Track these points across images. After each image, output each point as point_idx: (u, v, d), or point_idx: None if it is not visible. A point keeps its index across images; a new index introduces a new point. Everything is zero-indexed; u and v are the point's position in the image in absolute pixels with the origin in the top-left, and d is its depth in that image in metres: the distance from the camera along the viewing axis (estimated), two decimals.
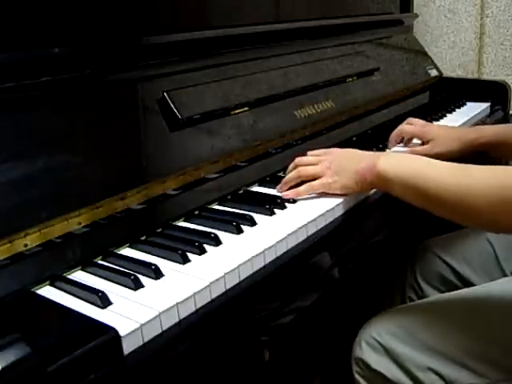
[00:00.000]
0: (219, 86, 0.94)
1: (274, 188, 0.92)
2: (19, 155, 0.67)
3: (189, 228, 0.79)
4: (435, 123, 1.29)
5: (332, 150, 0.92)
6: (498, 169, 0.70)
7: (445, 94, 1.61)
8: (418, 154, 1.08)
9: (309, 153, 0.92)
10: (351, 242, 0.88)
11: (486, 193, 0.68)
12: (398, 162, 0.80)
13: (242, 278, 0.67)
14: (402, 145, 1.15)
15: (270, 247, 0.71)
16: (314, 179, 0.86)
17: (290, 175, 0.88)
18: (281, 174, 1.01)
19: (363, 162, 0.82)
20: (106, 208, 0.72)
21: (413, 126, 1.13)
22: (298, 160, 0.90)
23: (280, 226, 0.76)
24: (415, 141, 1.16)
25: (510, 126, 1.19)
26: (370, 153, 0.86)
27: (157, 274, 0.65)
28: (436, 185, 0.72)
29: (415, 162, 0.79)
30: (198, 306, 0.62)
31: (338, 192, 0.84)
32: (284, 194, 0.86)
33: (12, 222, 0.63)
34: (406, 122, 1.15)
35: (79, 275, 0.68)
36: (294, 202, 0.86)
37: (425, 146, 1.10)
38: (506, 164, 1.58)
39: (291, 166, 0.90)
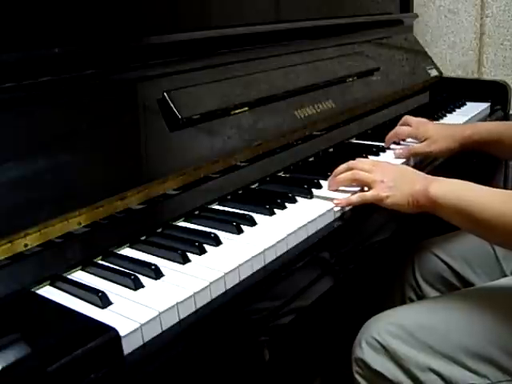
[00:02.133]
0: (219, 86, 0.94)
1: (274, 188, 0.93)
2: (19, 155, 0.67)
3: (189, 228, 0.79)
4: (435, 123, 1.29)
5: (383, 163, 0.92)
6: None
7: (445, 94, 1.61)
8: (415, 151, 1.09)
9: (357, 159, 0.93)
10: (351, 242, 0.88)
11: None
12: (452, 188, 0.80)
13: (242, 278, 0.67)
14: (399, 146, 1.15)
15: (269, 247, 0.71)
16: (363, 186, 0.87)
17: (344, 175, 0.88)
18: (281, 173, 1.01)
19: (417, 184, 0.82)
20: (105, 208, 0.72)
21: (407, 126, 1.13)
22: (352, 163, 0.90)
23: (280, 226, 0.76)
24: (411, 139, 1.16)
25: (503, 123, 1.19)
26: (422, 174, 0.87)
27: (157, 274, 0.65)
28: (487, 212, 0.74)
29: (467, 188, 0.80)
30: (198, 306, 0.62)
31: (388, 207, 0.84)
32: (336, 201, 0.84)
33: (12, 222, 0.63)
34: (402, 121, 1.15)
35: (79, 275, 0.68)
36: (294, 202, 0.86)
37: (421, 144, 1.10)
38: (506, 164, 1.59)
39: (344, 166, 0.90)
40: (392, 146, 1.15)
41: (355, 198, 0.85)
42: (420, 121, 1.15)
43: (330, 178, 0.91)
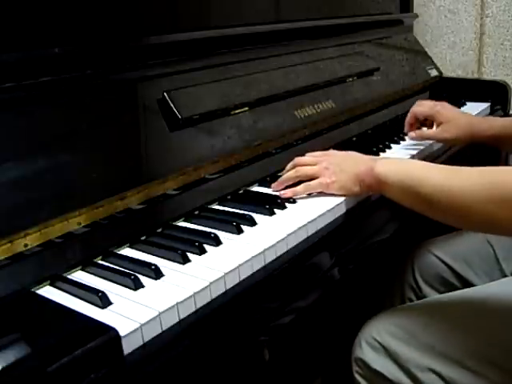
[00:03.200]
0: (219, 86, 0.94)
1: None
2: (19, 155, 0.67)
3: (189, 228, 0.79)
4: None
5: (330, 152, 0.93)
6: (487, 168, 0.71)
7: (445, 94, 1.61)
8: (426, 136, 1.08)
9: (307, 154, 0.93)
10: (351, 243, 0.88)
11: (474, 193, 0.68)
12: (395, 165, 0.81)
13: (242, 278, 0.67)
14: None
15: (269, 247, 0.71)
16: (312, 179, 0.87)
17: (288, 174, 0.89)
18: (281, 173, 1.01)
19: (362, 165, 0.83)
20: (106, 208, 0.72)
21: (424, 106, 1.12)
22: (296, 160, 0.91)
23: (280, 226, 0.76)
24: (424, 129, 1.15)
25: None
26: (369, 156, 0.88)
27: (157, 274, 0.65)
28: (431, 188, 0.73)
29: (410, 165, 0.81)
30: (198, 306, 0.62)
31: (336, 192, 0.85)
32: (281, 192, 0.86)
33: (12, 222, 0.63)
34: (416, 104, 1.14)
35: (79, 275, 0.68)
36: (294, 202, 0.86)
37: (436, 130, 1.09)
38: (506, 163, 1.59)
39: (289, 165, 0.91)
40: (394, 147, 1.15)
41: (301, 187, 0.86)
42: (436, 102, 1.14)
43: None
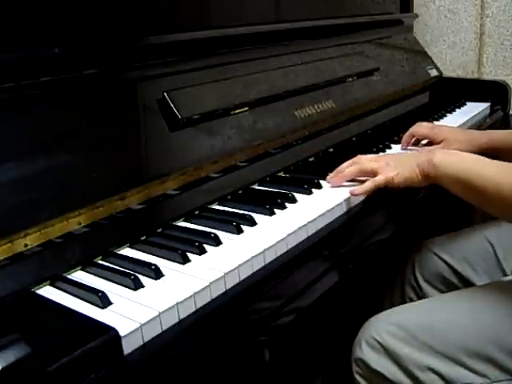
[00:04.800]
0: (219, 86, 0.94)
1: (274, 188, 0.93)
2: (19, 155, 0.67)
3: (189, 228, 0.79)
4: (435, 123, 1.29)
5: (381, 155, 0.97)
6: None
7: (445, 94, 1.61)
8: None
9: (359, 156, 0.95)
10: (351, 242, 0.88)
11: None
12: (452, 157, 0.84)
13: (242, 278, 0.67)
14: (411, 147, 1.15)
15: (269, 247, 0.71)
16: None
17: (351, 169, 0.91)
18: (281, 173, 1.01)
19: (421, 157, 0.87)
20: (106, 208, 0.72)
21: (424, 127, 1.13)
22: (356, 158, 0.93)
23: (280, 226, 0.76)
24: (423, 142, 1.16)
25: None
26: (426, 150, 0.92)
27: (157, 274, 0.65)
28: (486, 182, 0.77)
29: (467, 157, 0.84)
30: (198, 306, 0.62)
31: (401, 184, 0.88)
32: (352, 190, 0.87)
33: (12, 222, 0.63)
34: (415, 125, 1.15)
35: (79, 275, 0.68)
36: (294, 202, 0.86)
37: (437, 147, 1.09)
38: None
39: (348, 162, 0.92)
40: (394, 147, 1.15)
41: (369, 183, 0.88)
42: (432, 124, 1.17)
43: (331, 175, 0.92)
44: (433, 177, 0.85)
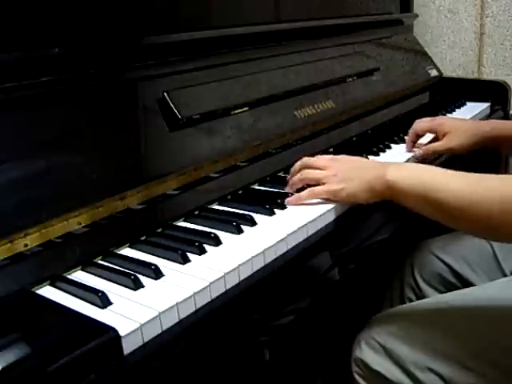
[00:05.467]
0: (219, 86, 0.94)
1: (274, 188, 0.93)
2: (19, 155, 0.67)
3: (189, 228, 0.79)
4: (450, 116, 1.28)
5: (339, 156, 0.88)
6: (508, 177, 0.69)
7: (445, 94, 1.61)
8: (434, 150, 1.07)
9: (316, 157, 0.89)
10: (351, 243, 0.88)
11: (495, 203, 0.66)
12: (409, 172, 0.78)
13: (241, 278, 0.67)
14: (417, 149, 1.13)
15: (269, 247, 0.71)
16: (317, 184, 0.84)
17: (294, 178, 0.86)
18: (281, 173, 1.01)
19: (372, 172, 0.80)
20: (105, 208, 0.72)
21: (425, 122, 1.11)
22: (304, 161, 0.87)
23: (280, 226, 0.76)
24: (425, 140, 1.14)
25: None
26: (379, 162, 0.84)
27: (157, 274, 0.65)
28: (450, 195, 0.70)
29: (426, 171, 0.77)
30: (198, 306, 0.62)
31: (343, 200, 0.82)
32: (288, 199, 0.83)
33: (12, 222, 0.63)
34: (415, 122, 1.13)
35: (79, 275, 0.68)
36: None
37: (440, 142, 1.08)
38: (506, 165, 1.58)
39: (296, 166, 0.88)
40: (394, 147, 1.15)
41: (305, 193, 0.83)
42: (435, 117, 1.13)
43: (287, 179, 0.88)
44: (388, 195, 0.78)
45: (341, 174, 0.82)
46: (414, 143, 1.12)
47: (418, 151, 1.08)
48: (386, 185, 0.77)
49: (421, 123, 1.11)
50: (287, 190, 0.88)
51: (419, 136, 1.13)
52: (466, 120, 1.18)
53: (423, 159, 1.07)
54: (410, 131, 1.12)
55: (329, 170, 0.83)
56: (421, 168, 0.79)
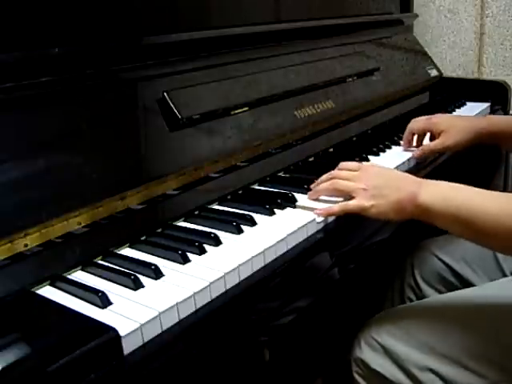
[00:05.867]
0: (219, 86, 0.94)
1: (274, 188, 0.93)
2: (19, 155, 0.67)
3: (189, 228, 0.79)
4: (448, 115, 1.28)
5: (367, 166, 0.87)
6: None
7: (445, 94, 1.61)
8: (430, 149, 1.07)
9: (342, 165, 0.88)
10: (351, 243, 0.88)
11: None
12: (441, 193, 0.75)
13: (241, 278, 0.67)
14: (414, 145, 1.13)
15: (269, 247, 0.71)
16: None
17: (324, 185, 0.85)
18: (281, 173, 1.01)
19: (404, 191, 0.77)
20: (105, 208, 0.72)
21: (420, 121, 1.11)
22: (334, 172, 0.86)
23: (280, 226, 0.76)
24: (425, 141, 1.14)
25: None
26: (409, 178, 0.81)
27: (157, 274, 0.65)
28: (483, 217, 0.70)
29: (459, 192, 0.75)
30: (198, 306, 0.62)
31: (373, 217, 0.79)
32: (317, 211, 0.80)
33: (12, 222, 0.63)
34: (411, 121, 1.13)
35: (79, 275, 0.68)
36: (295, 201, 0.86)
37: (436, 141, 1.07)
38: (506, 164, 1.59)
39: (326, 176, 0.86)
40: (394, 147, 1.15)
41: (337, 207, 0.81)
42: (431, 116, 1.13)
43: (313, 185, 0.87)
44: (419, 215, 0.76)
45: (371, 188, 0.79)
46: (410, 142, 1.12)
47: (415, 152, 1.07)
48: (419, 207, 0.75)
49: (416, 122, 1.11)
50: (310, 194, 0.86)
51: (415, 135, 1.13)
52: (463, 117, 1.17)
53: (424, 159, 1.07)
54: (406, 130, 1.11)
55: (358, 182, 0.81)
56: (453, 188, 0.76)
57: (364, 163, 0.89)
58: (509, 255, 0.76)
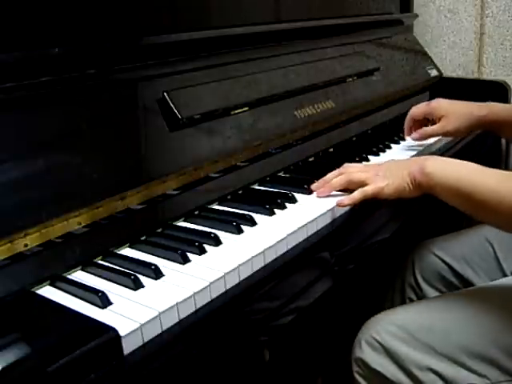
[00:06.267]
0: (219, 86, 0.94)
1: (274, 188, 0.93)
2: (19, 155, 0.67)
3: (189, 228, 0.79)
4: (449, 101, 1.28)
5: (370, 164, 0.93)
6: None
7: (445, 94, 1.60)
8: (430, 133, 1.07)
9: (347, 164, 0.91)
10: (351, 242, 0.88)
11: None
12: (446, 165, 0.80)
13: (241, 278, 0.67)
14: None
15: (269, 247, 0.71)
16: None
17: (338, 179, 0.87)
18: (281, 173, 1.01)
19: (412, 165, 0.82)
20: (105, 208, 0.72)
21: (420, 108, 1.11)
22: (343, 167, 0.89)
23: (280, 226, 0.76)
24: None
25: None
26: (415, 158, 0.86)
27: (157, 274, 0.65)
28: (482, 190, 0.73)
29: (462, 166, 0.79)
30: (198, 306, 0.62)
31: (391, 196, 0.84)
32: (339, 201, 0.83)
33: (12, 222, 0.63)
34: (412, 108, 1.13)
35: (79, 275, 0.68)
36: (294, 201, 0.86)
37: (435, 126, 1.08)
38: (506, 164, 1.58)
39: (336, 172, 0.88)
40: (394, 147, 1.15)
41: (357, 194, 0.84)
42: (432, 100, 1.13)
43: (317, 185, 0.89)
44: (426, 186, 0.80)
45: (382, 172, 0.85)
46: (411, 129, 1.12)
47: (413, 135, 1.08)
48: (426, 177, 0.80)
49: (416, 108, 1.11)
50: (320, 192, 0.88)
51: (416, 121, 1.12)
52: (463, 103, 1.16)
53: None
54: (407, 117, 1.12)
55: (370, 172, 0.86)
56: (456, 163, 0.81)
57: (376, 159, 0.94)
58: (502, 230, 0.79)
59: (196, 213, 0.84)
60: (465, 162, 0.80)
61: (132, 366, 0.54)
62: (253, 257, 0.69)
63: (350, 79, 1.27)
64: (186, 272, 0.66)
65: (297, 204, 0.86)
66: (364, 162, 1.03)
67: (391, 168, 0.85)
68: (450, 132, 1.07)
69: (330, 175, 0.89)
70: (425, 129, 1.09)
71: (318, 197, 0.87)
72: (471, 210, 0.77)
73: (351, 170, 0.87)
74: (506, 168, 1.58)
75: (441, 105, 1.10)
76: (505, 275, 0.99)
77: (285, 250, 0.74)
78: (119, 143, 0.78)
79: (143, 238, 0.76)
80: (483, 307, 0.81)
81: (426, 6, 1.77)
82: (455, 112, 1.07)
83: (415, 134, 1.07)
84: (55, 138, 0.72)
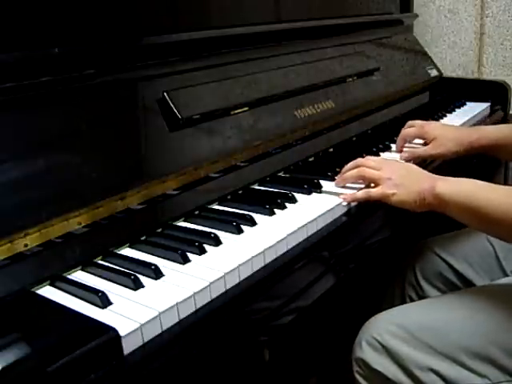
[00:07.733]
0: (219, 86, 0.94)
1: (274, 188, 0.93)
2: (19, 155, 0.67)
3: (189, 228, 0.79)
4: (440, 122, 1.28)
5: (388, 160, 0.94)
6: None
7: (445, 94, 1.61)
8: (419, 155, 1.08)
9: (367, 158, 0.93)
10: (351, 242, 0.88)
11: None
12: (457, 186, 0.81)
13: (241, 278, 0.67)
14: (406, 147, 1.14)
15: (269, 247, 0.71)
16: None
17: (351, 172, 0.90)
18: (281, 173, 1.01)
19: (424, 183, 0.83)
20: (105, 208, 0.72)
21: (414, 127, 1.12)
22: (360, 160, 0.91)
23: (280, 226, 0.76)
24: (417, 141, 1.15)
25: (506, 126, 1.17)
26: (426, 173, 0.88)
27: (157, 274, 0.65)
28: (493, 207, 0.75)
29: (472, 184, 0.81)
30: (198, 306, 0.62)
31: (395, 205, 0.85)
32: (343, 196, 0.86)
33: (12, 222, 0.63)
34: (406, 125, 1.14)
35: (79, 275, 0.68)
36: (294, 201, 0.86)
37: (426, 147, 1.09)
38: (506, 165, 1.58)
39: (352, 164, 0.91)
40: (394, 147, 1.14)
41: (361, 193, 0.86)
42: (424, 122, 1.15)
43: (338, 176, 0.92)
44: (435, 206, 0.82)
45: (395, 178, 0.86)
46: (402, 148, 1.13)
47: (402, 154, 1.09)
48: (436, 198, 0.81)
49: (410, 131, 1.12)
50: (337, 183, 0.92)
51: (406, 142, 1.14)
52: (455, 127, 1.19)
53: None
54: (400, 136, 1.12)
55: (383, 172, 0.87)
56: (466, 182, 0.82)
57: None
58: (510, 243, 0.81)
59: (196, 213, 0.84)
60: (472, 181, 0.81)
61: (132, 366, 0.54)
62: (253, 257, 0.69)
63: (350, 79, 1.27)
64: (186, 272, 0.66)
65: (297, 204, 0.86)
66: None
67: (405, 178, 0.86)
68: (435, 156, 1.08)
69: (346, 167, 0.92)
70: (414, 150, 1.10)
71: (336, 186, 0.91)
72: (479, 225, 0.81)
73: (367, 164, 0.89)
74: (506, 171, 1.58)
75: (432, 128, 1.11)
76: (505, 275, 0.99)
77: (285, 250, 0.74)
78: (119, 143, 0.78)
79: (143, 238, 0.76)
80: (484, 307, 0.81)
81: (425, 6, 1.77)
82: (445, 136, 1.09)
83: (404, 154, 1.08)
84: (55, 137, 0.72)
